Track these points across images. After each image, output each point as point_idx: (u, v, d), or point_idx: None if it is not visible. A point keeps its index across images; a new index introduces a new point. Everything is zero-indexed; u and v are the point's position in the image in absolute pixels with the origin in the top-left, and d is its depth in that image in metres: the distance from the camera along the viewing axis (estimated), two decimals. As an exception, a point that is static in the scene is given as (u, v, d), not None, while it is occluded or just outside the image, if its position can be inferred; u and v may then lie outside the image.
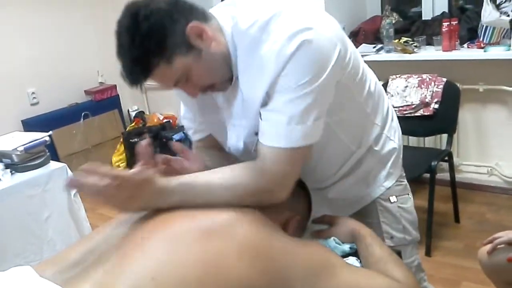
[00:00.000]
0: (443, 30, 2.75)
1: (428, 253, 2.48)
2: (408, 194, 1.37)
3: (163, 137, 4.16)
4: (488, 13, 2.61)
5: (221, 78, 1.07)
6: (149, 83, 1.08)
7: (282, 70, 0.98)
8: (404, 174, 1.38)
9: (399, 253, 1.17)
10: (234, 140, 1.18)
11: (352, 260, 1.11)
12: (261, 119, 1.04)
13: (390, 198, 1.32)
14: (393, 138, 1.32)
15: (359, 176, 1.30)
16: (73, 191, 2.43)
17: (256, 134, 1.08)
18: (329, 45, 1.01)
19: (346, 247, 1.15)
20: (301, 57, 0.97)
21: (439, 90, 2.68)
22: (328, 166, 1.27)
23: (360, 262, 1.10)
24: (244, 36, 1.03)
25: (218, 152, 1.28)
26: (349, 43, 1.13)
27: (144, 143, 1.01)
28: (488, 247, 1.44)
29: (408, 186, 1.38)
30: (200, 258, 0.83)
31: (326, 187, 1.33)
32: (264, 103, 1.03)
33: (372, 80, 1.25)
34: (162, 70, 0.99)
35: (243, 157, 1.20)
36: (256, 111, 1.05)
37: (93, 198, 0.94)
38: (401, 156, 1.36)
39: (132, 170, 0.97)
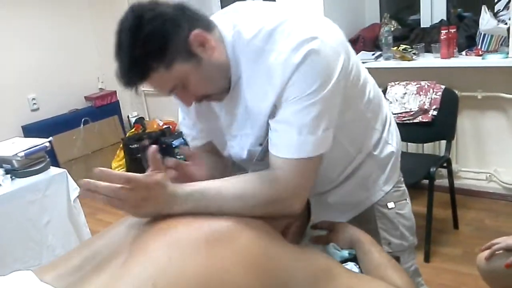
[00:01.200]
0: (442, 37, 2.77)
1: (427, 259, 2.49)
2: (406, 200, 1.37)
3: (163, 143, 4.17)
4: (486, 21, 2.63)
5: (218, 88, 1.06)
6: (148, 89, 1.08)
7: (289, 80, 0.97)
8: (402, 179, 1.38)
9: (398, 259, 1.18)
10: (237, 149, 1.19)
11: (350, 265, 1.12)
12: (270, 129, 1.04)
13: (388, 204, 1.33)
14: (391, 142, 1.33)
15: (358, 180, 1.30)
16: (75, 196, 2.43)
17: (261, 144, 1.09)
18: (334, 55, 1.01)
19: (345, 252, 1.15)
20: (308, 67, 0.97)
21: (438, 97, 2.69)
22: (329, 171, 1.27)
23: (359, 267, 1.11)
24: (247, 46, 1.02)
25: (217, 158, 1.28)
26: (352, 51, 1.14)
27: (152, 149, 1.00)
28: (486, 253, 1.44)
29: (406, 191, 1.38)
30: (202, 267, 0.83)
31: (326, 191, 1.34)
32: (272, 114, 1.03)
33: (372, 86, 1.26)
34: (159, 75, 0.97)
35: (246, 165, 1.21)
36: (262, 121, 1.05)
37: (106, 202, 0.93)
38: (399, 160, 1.37)
39: (144, 174, 0.97)
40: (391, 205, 1.33)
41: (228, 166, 1.29)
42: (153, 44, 0.95)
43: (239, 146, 1.18)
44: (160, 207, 0.96)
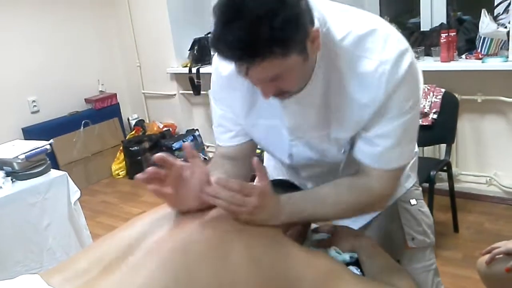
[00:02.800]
0: (442, 41, 2.78)
1: (427, 262, 2.48)
2: (423, 200, 1.42)
3: (162, 145, 4.18)
4: (486, 25, 2.64)
5: (301, 85, 1.02)
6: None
7: (394, 93, 0.98)
8: (418, 180, 1.43)
9: (398, 262, 1.18)
10: (303, 149, 1.17)
11: (352, 269, 1.12)
12: (365, 142, 1.06)
13: (411, 201, 1.36)
14: None
15: None
16: (75, 199, 2.43)
17: (344, 152, 1.12)
18: (417, 66, 1.04)
19: (346, 256, 1.15)
20: (410, 80, 0.99)
21: (438, 100, 2.70)
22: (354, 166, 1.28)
23: (361, 271, 1.11)
24: (336, 46, 0.99)
25: (241, 165, 1.24)
26: None
27: (256, 160, 1.03)
28: (487, 257, 1.44)
29: (421, 192, 1.44)
30: (210, 271, 0.83)
31: None
32: (367, 126, 1.04)
33: None
34: (273, 61, 0.88)
35: (303, 166, 1.23)
36: (352, 127, 1.06)
37: (225, 207, 0.98)
38: (417, 161, 1.41)
39: (253, 183, 1.04)
40: (413, 201, 1.37)
41: (248, 177, 1.27)
42: (286, 31, 0.85)
43: (308, 146, 1.16)
44: (270, 214, 1.02)
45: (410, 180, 1.37)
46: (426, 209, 1.41)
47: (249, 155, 1.22)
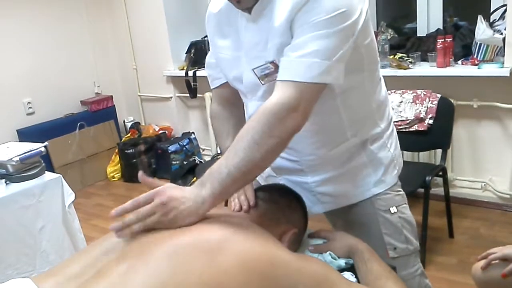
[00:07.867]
0: (438, 46, 2.79)
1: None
2: (406, 203, 1.37)
3: (158, 148, 4.17)
4: (482, 31, 2.65)
5: None
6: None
7: (305, 3, 1.00)
8: (400, 183, 1.38)
9: (394, 269, 1.18)
10: (250, 75, 1.19)
11: (347, 275, 1.11)
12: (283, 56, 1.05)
13: (390, 209, 1.32)
14: (389, 147, 1.34)
15: (347, 171, 1.31)
16: (70, 201, 2.42)
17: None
18: None
19: (342, 262, 1.15)
20: None
21: (434, 106, 2.70)
22: (321, 142, 1.26)
23: (356, 277, 1.11)
24: None
25: (237, 111, 1.39)
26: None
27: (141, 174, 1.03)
28: (482, 262, 1.44)
29: (405, 195, 1.39)
30: (204, 277, 0.83)
31: (315, 181, 1.34)
32: (288, 38, 1.05)
33: (382, 86, 1.33)
34: None
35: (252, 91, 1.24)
36: (276, 39, 1.07)
37: (143, 226, 0.95)
38: (398, 167, 1.37)
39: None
40: (393, 209, 1.32)
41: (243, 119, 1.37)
42: None
43: (250, 70, 1.18)
44: (191, 196, 0.97)
45: (381, 186, 1.32)
46: (408, 214, 1.35)
47: (235, 94, 1.35)
